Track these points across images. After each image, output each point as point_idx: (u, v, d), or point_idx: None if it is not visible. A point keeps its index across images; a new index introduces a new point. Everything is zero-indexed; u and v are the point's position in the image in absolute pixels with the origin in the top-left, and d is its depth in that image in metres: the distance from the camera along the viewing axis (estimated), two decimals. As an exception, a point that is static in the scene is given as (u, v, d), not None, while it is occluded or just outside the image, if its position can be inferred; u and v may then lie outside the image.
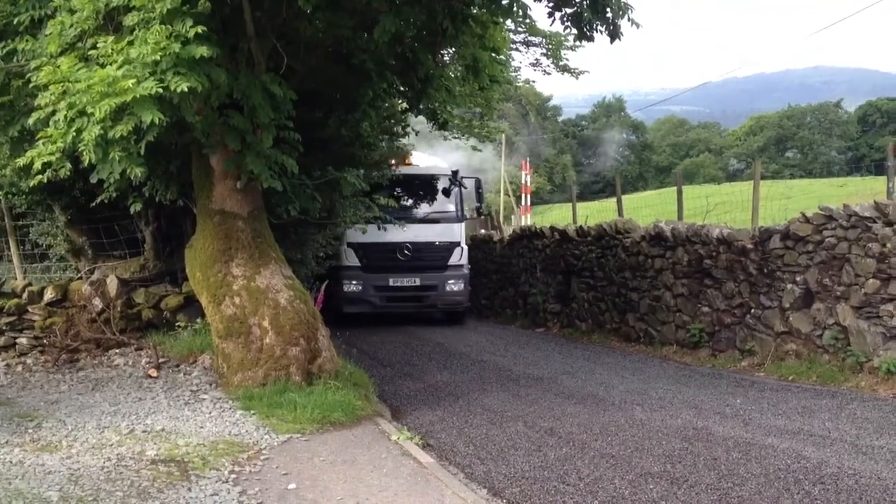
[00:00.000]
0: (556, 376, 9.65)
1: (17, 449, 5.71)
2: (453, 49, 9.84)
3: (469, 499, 5.02)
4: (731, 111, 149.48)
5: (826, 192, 24.81)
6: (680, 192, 13.04)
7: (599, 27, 7.83)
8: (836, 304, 9.01)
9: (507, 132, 41.82)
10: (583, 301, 14.00)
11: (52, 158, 6.01)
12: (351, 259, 14.74)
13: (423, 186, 15.73)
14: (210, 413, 6.87)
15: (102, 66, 5.92)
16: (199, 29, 5.86)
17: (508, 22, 13.50)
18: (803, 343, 9.47)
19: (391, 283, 14.84)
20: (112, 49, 5.98)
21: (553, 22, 8.01)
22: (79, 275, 10.18)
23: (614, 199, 15.10)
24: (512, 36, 17.98)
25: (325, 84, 8.94)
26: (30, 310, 9.37)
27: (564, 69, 20.10)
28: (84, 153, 5.90)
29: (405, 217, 14.43)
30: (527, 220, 25.58)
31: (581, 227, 14.42)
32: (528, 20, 15.68)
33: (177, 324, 9.28)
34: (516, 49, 19.48)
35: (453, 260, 15.24)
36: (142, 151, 6.11)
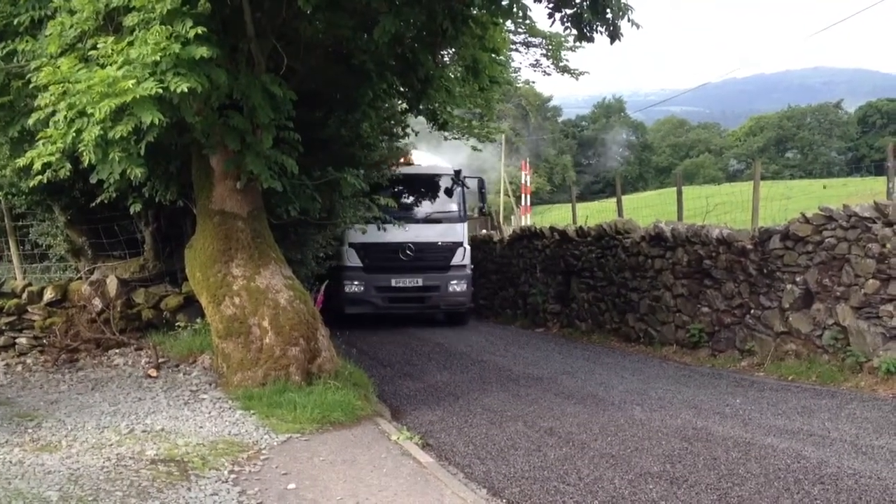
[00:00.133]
0: (556, 376, 9.66)
1: (16, 449, 5.72)
2: (453, 50, 9.85)
3: (469, 498, 5.02)
4: (731, 112, 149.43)
5: (826, 193, 24.82)
6: (680, 193, 13.04)
7: (599, 28, 7.83)
8: (835, 305, 9.01)
9: (507, 133, 41.79)
10: (583, 301, 14.00)
11: (52, 159, 6.02)
12: (353, 259, 14.63)
13: (426, 186, 15.63)
14: (210, 413, 6.87)
15: (102, 66, 5.94)
16: (199, 29, 5.87)
17: (508, 23, 13.53)
18: (803, 343, 9.47)
19: (393, 283, 14.74)
20: (112, 49, 5.99)
21: (553, 23, 8.04)
22: (79, 275, 10.19)
23: (614, 200, 15.09)
24: (512, 37, 18.00)
25: (325, 84, 8.95)
26: (29, 310, 9.39)
27: (564, 70, 20.10)
28: (84, 153, 5.91)
29: (407, 217, 14.38)
30: (527, 220, 25.53)
31: (581, 227, 14.41)
32: (528, 21, 15.71)
33: (176, 324, 9.30)
34: (516, 50, 19.52)
35: (456, 260, 15.14)
36: (142, 152, 6.12)
